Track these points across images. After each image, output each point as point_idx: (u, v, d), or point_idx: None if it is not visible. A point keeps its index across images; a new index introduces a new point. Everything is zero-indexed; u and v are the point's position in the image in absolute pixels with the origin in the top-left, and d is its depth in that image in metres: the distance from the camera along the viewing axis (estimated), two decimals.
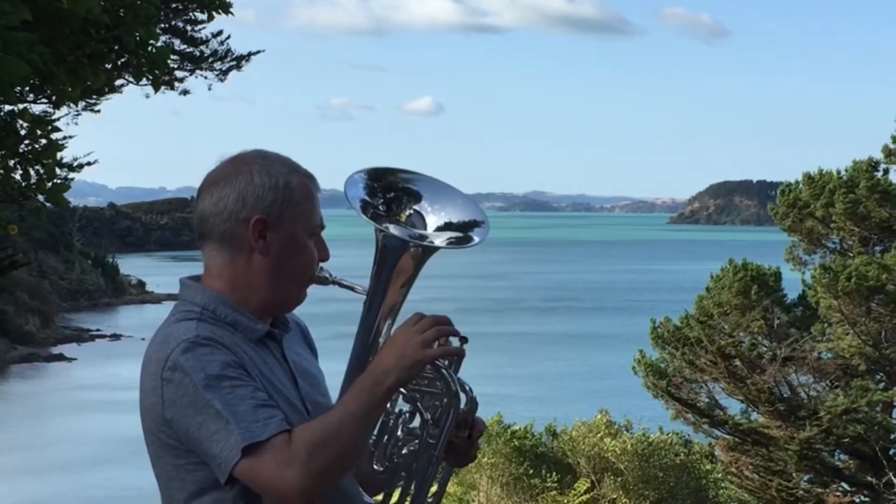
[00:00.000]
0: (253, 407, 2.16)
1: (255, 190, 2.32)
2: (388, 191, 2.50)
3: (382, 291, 2.43)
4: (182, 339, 2.21)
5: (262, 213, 2.31)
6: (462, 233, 2.48)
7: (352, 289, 2.48)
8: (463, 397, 2.36)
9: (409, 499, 2.42)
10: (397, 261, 2.41)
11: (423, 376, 2.34)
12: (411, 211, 2.49)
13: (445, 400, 2.34)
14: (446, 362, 2.33)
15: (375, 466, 2.45)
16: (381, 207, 2.47)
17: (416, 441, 2.41)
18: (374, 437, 2.41)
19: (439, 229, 2.48)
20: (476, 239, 2.47)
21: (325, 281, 2.45)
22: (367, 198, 2.46)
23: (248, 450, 2.12)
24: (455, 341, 2.32)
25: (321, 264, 2.43)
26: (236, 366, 2.21)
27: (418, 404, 2.39)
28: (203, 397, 2.16)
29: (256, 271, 2.34)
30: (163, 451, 2.26)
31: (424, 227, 2.48)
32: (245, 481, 2.16)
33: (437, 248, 2.44)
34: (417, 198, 2.50)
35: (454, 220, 2.49)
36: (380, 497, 2.49)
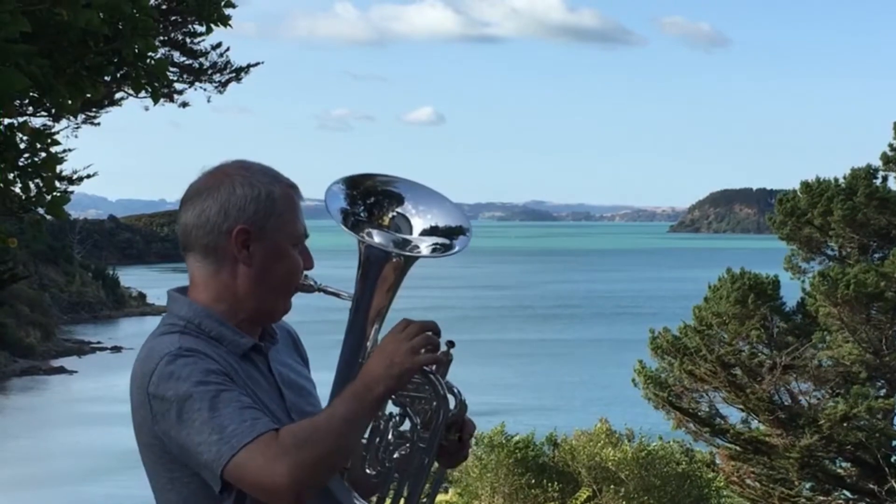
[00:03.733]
0: (239, 409, 2.16)
1: (238, 201, 2.32)
2: (369, 196, 2.49)
3: (368, 297, 2.43)
4: (165, 353, 2.23)
5: (245, 224, 2.32)
6: (447, 239, 2.47)
7: (337, 295, 2.49)
8: (452, 400, 2.36)
9: (402, 501, 2.42)
10: (381, 270, 2.42)
11: (412, 381, 2.34)
12: (394, 213, 2.48)
13: (435, 403, 2.35)
14: (434, 367, 2.33)
15: (368, 470, 2.45)
16: (362, 214, 2.47)
17: (408, 445, 2.41)
18: (365, 441, 2.42)
19: (424, 233, 2.48)
20: (457, 247, 2.46)
21: (310, 289, 2.46)
22: (347, 206, 2.45)
23: (237, 451, 2.13)
24: (442, 345, 2.32)
25: (306, 272, 2.43)
26: (220, 373, 2.22)
27: (408, 409, 2.39)
28: (188, 407, 2.17)
29: (241, 282, 2.35)
30: (157, 465, 2.28)
31: (410, 230, 2.47)
32: (235, 482, 2.16)
33: (419, 258, 2.44)
34: (400, 200, 2.50)
35: (440, 225, 2.49)
36: (374, 500, 2.49)
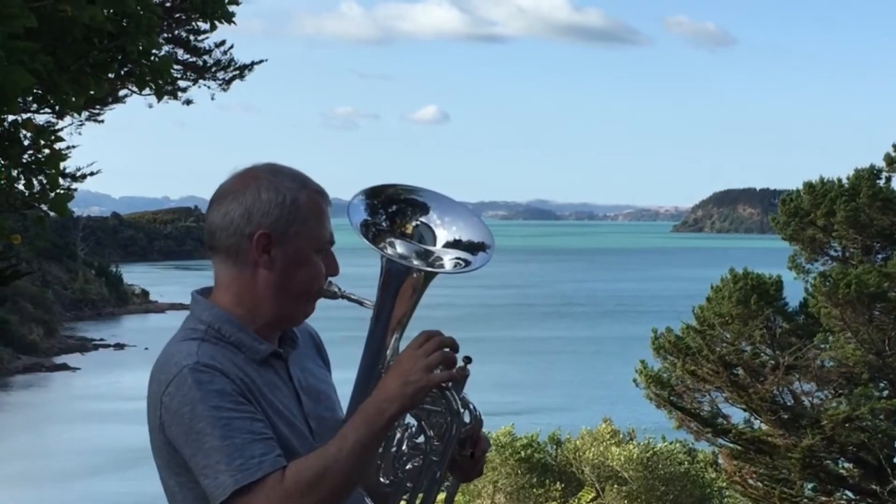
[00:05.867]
0: (249, 442, 2.17)
1: (262, 206, 2.32)
2: (391, 204, 2.48)
3: (389, 307, 2.43)
4: (182, 365, 2.23)
5: (267, 229, 2.32)
6: (470, 254, 2.46)
7: (360, 303, 2.48)
8: (467, 416, 2.36)
9: None
10: (401, 283, 2.41)
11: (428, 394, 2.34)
12: (418, 223, 2.47)
13: (449, 418, 2.34)
14: (450, 382, 2.32)
15: (382, 479, 2.45)
16: (384, 223, 2.46)
17: (421, 457, 2.41)
18: (381, 449, 2.41)
19: (448, 245, 2.47)
20: (479, 263, 2.45)
21: (333, 295, 2.45)
22: (368, 217, 2.45)
23: (241, 489, 2.14)
24: (458, 360, 2.32)
25: (330, 278, 2.42)
26: (236, 394, 2.22)
27: (423, 422, 2.39)
28: (196, 428, 2.18)
29: (262, 286, 2.35)
30: (166, 467, 2.29)
31: (434, 240, 2.47)
32: None
33: (439, 273, 2.43)
34: (424, 209, 2.49)
35: (463, 239, 2.48)
36: None
